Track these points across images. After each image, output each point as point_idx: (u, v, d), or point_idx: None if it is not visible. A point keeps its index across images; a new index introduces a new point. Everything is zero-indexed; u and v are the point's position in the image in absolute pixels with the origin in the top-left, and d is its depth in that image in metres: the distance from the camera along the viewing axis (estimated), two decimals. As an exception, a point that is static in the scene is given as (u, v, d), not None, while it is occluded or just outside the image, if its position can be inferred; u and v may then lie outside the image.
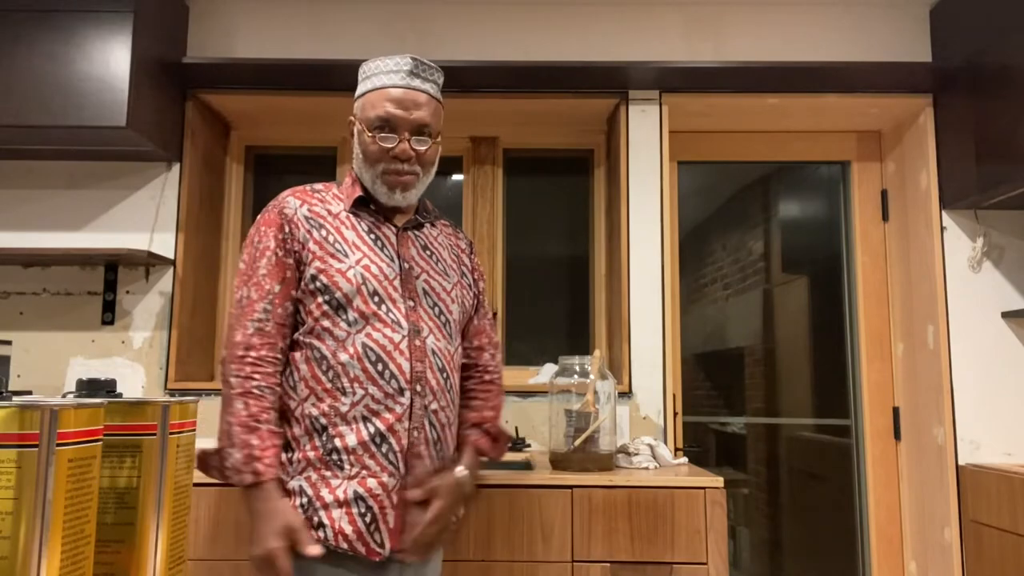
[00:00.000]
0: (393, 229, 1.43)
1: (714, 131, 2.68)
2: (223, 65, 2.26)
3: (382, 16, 2.45)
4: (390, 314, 1.34)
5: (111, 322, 2.33)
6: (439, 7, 2.46)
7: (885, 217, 2.63)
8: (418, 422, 1.34)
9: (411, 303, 1.37)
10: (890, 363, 2.57)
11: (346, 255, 1.35)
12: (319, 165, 2.69)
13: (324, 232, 1.37)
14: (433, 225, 1.52)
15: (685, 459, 2.02)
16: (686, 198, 2.71)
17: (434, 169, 1.45)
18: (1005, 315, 2.31)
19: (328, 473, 1.29)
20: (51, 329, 2.33)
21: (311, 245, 1.35)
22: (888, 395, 2.56)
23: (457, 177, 2.70)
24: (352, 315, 1.32)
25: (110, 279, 2.34)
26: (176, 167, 2.37)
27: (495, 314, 2.54)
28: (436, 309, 1.40)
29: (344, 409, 1.30)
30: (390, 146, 1.37)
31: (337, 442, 1.30)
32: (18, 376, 2.31)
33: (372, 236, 1.40)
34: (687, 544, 1.68)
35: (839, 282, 2.67)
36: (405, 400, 1.32)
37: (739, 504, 2.69)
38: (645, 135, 2.40)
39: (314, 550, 1.24)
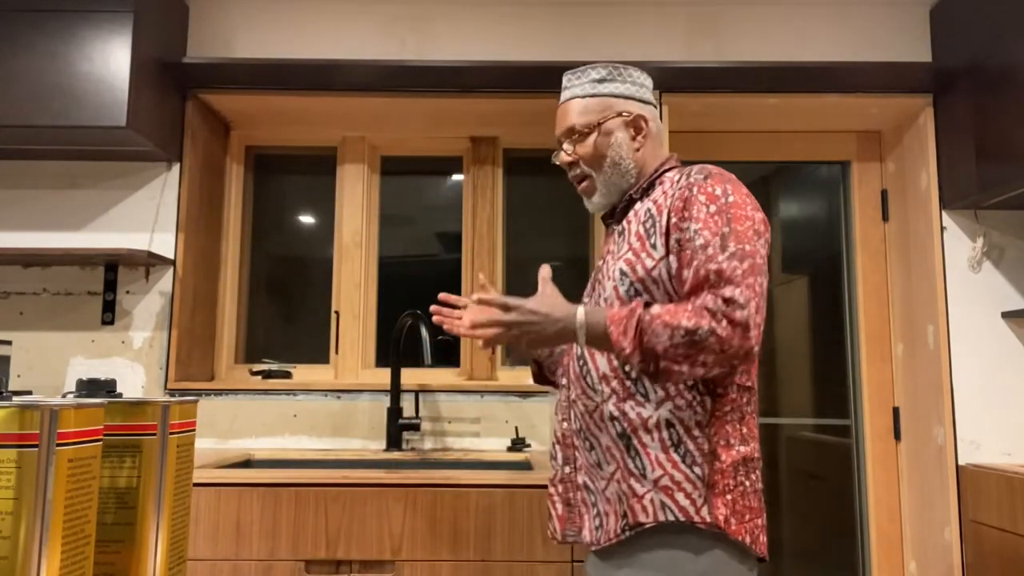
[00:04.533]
0: (611, 231, 1.45)
1: (714, 131, 2.68)
2: (223, 65, 2.26)
3: (382, 16, 2.45)
4: None
5: (111, 322, 2.33)
6: (439, 7, 2.46)
7: (885, 217, 2.63)
8: (565, 413, 1.40)
9: (585, 302, 1.41)
10: (890, 363, 2.57)
11: None
12: (319, 165, 2.69)
13: None
14: (647, 194, 1.37)
15: (685, 459, 2.02)
16: (686, 198, 2.70)
17: (606, 161, 1.37)
18: (1005, 315, 2.31)
19: None
20: (51, 329, 2.33)
21: None
22: (888, 395, 2.56)
23: (457, 177, 2.70)
24: None
25: (110, 279, 2.34)
26: (176, 167, 2.37)
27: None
28: (597, 297, 1.38)
29: None
30: (556, 162, 1.45)
31: None
32: (18, 376, 2.31)
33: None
34: (687, 544, 1.68)
35: (839, 282, 2.67)
36: (561, 392, 1.43)
37: (739, 504, 2.68)
38: (645, 135, 2.39)
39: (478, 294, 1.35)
